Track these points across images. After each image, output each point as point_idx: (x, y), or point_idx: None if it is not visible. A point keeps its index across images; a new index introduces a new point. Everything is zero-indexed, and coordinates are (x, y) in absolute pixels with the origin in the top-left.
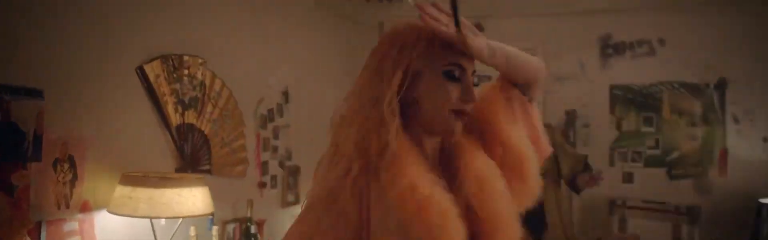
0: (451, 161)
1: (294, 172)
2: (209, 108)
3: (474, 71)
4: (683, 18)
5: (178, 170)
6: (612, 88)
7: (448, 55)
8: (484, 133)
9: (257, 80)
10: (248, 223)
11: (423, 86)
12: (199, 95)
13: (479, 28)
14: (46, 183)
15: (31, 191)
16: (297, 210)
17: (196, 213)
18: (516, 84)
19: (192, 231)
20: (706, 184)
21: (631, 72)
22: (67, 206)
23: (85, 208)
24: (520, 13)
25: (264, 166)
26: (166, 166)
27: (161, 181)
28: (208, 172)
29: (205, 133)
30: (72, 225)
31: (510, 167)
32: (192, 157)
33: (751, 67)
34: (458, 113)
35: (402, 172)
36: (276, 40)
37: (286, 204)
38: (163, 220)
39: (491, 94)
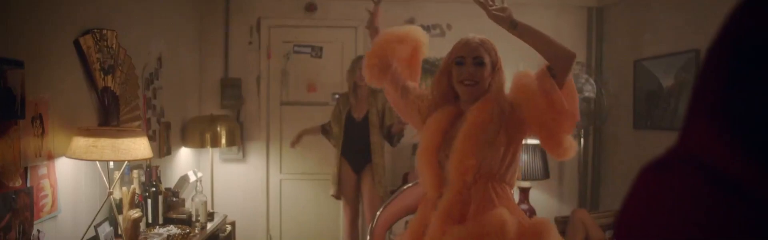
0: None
1: (167, 127)
2: (118, 73)
3: (475, 57)
4: (464, 9)
5: (99, 126)
6: None
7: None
8: (518, 107)
9: (142, 49)
10: (147, 169)
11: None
12: (113, 63)
13: (313, 7)
14: (28, 136)
15: (21, 143)
16: (169, 160)
17: (146, 156)
18: (549, 68)
19: (134, 173)
20: None
21: (428, 48)
22: (40, 155)
23: (50, 156)
24: None
25: (148, 122)
26: (91, 122)
27: (118, 132)
28: (117, 126)
29: (117, 94)
30: (43, 170)
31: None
32: (107, 115)
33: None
34: (464, 83)
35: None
36: (154, 15)
37: (162, 154)
38: (111, 163)
39: (523, 82)
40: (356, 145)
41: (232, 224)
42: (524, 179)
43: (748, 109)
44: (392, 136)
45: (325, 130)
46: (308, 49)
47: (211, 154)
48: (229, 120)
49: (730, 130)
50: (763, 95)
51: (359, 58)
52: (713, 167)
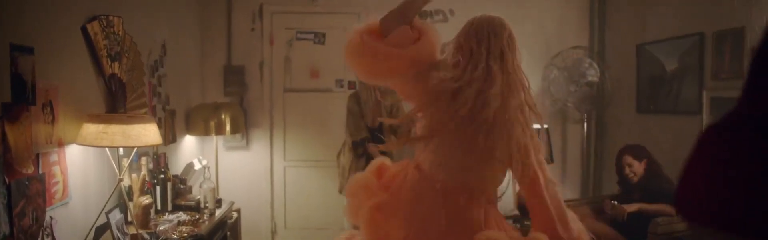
0: None
1: (172, 114)
2: (125, 60)
3: None
4: None
5: (107, 113)
6: None
7: None
8: None
9: (147, 35)
10: (155, 156)
11: None
12: (119, 50)
13: None
14: (39, 123)
15: (32, 129)
16: (175, 147)
17: (157, 142)
18: None
19: (143, 160)
20: None
21: None
22: (50, 142)
23: (60, 143)
24: None
25: (154, 110)
26: (99, 109)
27: (129, 118)
28: (124, 113)
29: (124, 81)
30: (54, 156)
31: None
32: (115, 102)
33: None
34: None
35: None
36: (157, 1)
37: (168, 141)
38: (121, 150)
39: None
40: (362, 150)
41: (238, 211)
42: None
43: None
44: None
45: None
46: (311, 36)
47: (215, 141)
48: (233, 107)
49: None
50: None
51: None
52: None
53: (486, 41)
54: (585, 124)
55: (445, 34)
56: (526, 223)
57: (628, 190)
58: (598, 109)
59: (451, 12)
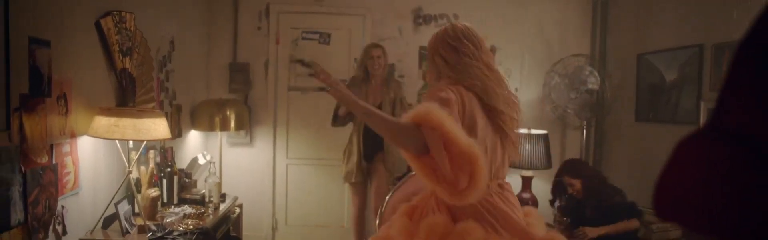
0: None
1: (178, 110)
2: (135, 55)
3: None
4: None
5: (117, 106)
6: (420, 48)
7: None
8: None
9: (156, 32)
10: (162, 150)
11: None
12: (130, 45)
13: None
14: (53, 114)
15: (47, 121)
16: (180, 142)
17: (166, 136)
18: None
19: (151, 154)
20: None
21: None
22: (64, 133)
23: (73, 134)
24: None
25: (161, 104)
26: (109, 103)
27: (140, 112)
28: (133, 107)
29: (134, 76)
30: (67, 147)
31: None
32: (125, 96)
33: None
34: None
35: None
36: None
37: (174, 136)
38: (131, 143)
39: None
40: (370, 134)
41: (240, 207)
42: (527, 168)
43: None
44: None
45: (335, 115)
46: (316, 36)
47: (220, 137)
48: (238, 104)
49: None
50: None
51: (371, 46)
52: (748, 137)
53: (448, 52)
54: (584, 131)
55: None
56: None
57: (576, 206)
58: (598, 116)
59: (455, 16)
